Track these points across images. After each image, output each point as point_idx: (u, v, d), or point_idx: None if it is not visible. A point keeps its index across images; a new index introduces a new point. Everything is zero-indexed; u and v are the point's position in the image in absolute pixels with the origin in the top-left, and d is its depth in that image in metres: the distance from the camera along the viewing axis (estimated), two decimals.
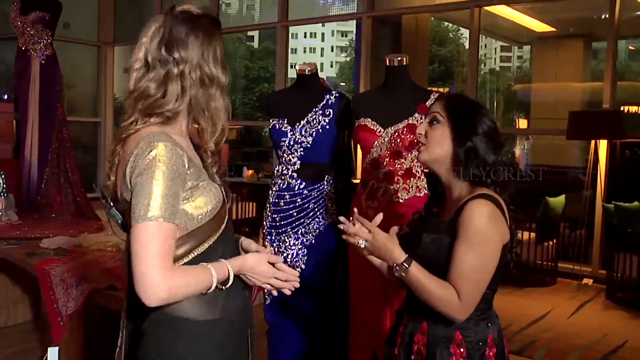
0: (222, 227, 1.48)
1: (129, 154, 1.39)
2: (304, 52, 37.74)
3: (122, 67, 9.41)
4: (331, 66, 36.39)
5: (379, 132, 2.60)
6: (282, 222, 2.75)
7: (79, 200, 4.60)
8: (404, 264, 1.60)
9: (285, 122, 2.77)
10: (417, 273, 1.59)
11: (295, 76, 2.87)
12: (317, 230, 2.73)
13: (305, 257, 2.72)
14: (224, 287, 1.43)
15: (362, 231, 1.69)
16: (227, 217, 1.51)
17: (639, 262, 5.06)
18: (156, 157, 1.34)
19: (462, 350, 1.61)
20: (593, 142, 5.61)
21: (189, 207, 1.41)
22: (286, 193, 2.75)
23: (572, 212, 6.19)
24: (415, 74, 9.60)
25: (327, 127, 2.71)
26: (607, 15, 8.31)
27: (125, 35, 9.25)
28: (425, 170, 1.77)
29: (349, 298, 2.75)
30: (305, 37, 37.53)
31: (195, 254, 1.42)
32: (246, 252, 1.60)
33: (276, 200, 2.77)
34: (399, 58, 2.65)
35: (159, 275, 1.29)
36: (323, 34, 39.07)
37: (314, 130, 2.70)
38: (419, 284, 1.58)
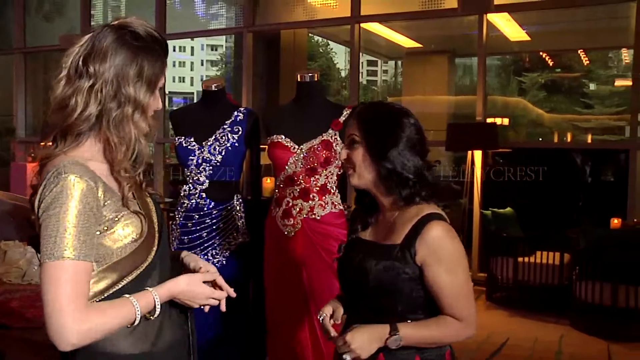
0: (151, 256, 1.38)
1: (40, 183, 1.28)
2: (174, 65, 36.96)
3: None
4: (201, 80, 35.95)
5: (294, 148, 2.57)
6: (191, 244, 2.63)
7: None
8: (393, 334, 1.49)
9: (193, 140, 2.66)
10: (411, 333, 1.50)
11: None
12: (229, 251, 2.64)
13: None
14: (152, 317, 1.34)
15: (341, 347, 1.52)
16: (156, 245, 1.41)
17: (514, 264, 5.42)
18: (64, 190, 1.23)
19: None
20: (470, 152, 5.95)
21: (107, 241, 1.31)
22: (194, 214, 2.64)
23: (449, 220, 6.48)
24: (295, 89, 9.74)
25: (237, 144, 2.64)
26: (468, 34, 8.94)
27: None
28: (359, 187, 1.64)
29: (264, 322, 2.69)
30: (174, 50, 36.73)
31: (120, 286, 1.33)
32: (187, 269, 1.51)
33: (184, 222, 2.66)
34: (310, 74, 2.64)
35: (67, 319, 1.20)
36: (192, 48, 38.50)
37: (223, 148, 2.62)
38: (421, 340, 1.52)
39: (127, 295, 1.30)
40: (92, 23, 8.65)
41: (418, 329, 1.52)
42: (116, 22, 1.37)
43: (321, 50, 25.35)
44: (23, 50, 8.95)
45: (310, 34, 12.09)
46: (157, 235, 1.42)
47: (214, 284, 1.46)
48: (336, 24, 7.51)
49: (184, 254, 1.56)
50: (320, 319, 1.68)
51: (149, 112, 1.39)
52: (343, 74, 25.14)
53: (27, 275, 3.15)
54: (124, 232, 1.33)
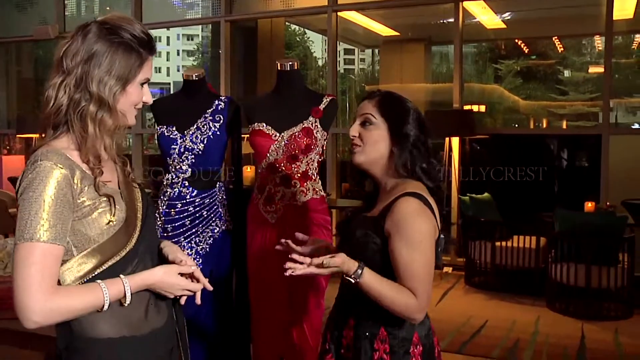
0: (132, 243, 1.43)
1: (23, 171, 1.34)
2: None
3: None
4: (178, 70, 35.64)
5: (275, 136, 2.61)
6: (175, 232, 2.66)
7: None
8: (358, 270, 1.56)
9: (175, 129, 2.69)
10: (371, 279, 1.56)
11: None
12: (212, 238, 2.68)
13: (201, 266, 2.65)
14: (125, 304, 1.38)
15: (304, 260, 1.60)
16: (138, 231, 1.45)
17: (492, 248, 5.52)
18: (38, 177, 1.29)
19: (385, 346, 1.63)
20: (447, 139, 6.03)
21: (85, 227, 1.36)
22: (177, 202, 2.67)
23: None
24: (273, 78, 9.74)
25: (218, 133, 2.67)
26: (444, 22, 9.00)
27: None
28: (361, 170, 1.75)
29: (248, 307, 2.73)
30: None
31: (101, 270, 1.38)
32: (166, 260, 1.55)
33: (167, 210, 2.68)
34: (290, 63, 2.67)
35: (32, 298, 1.25)
36: (168, 38, 38.05)
37: (204, 136, 2.65)
38: (375, 291, 1.56)
39: (99, 281, 1.35)
40: (67, 13, 8.55)
41: (379, 280, 1.57)
42: (100, 19, 1.42)
43: (298, 39, 25.23)
44: None
45: (287, 23, 12.08)
46: (139, 223, 1.46)
47: (191, 276, 1.50)
48: (313, 13, 7.53)
49: (164, 244, 1.60)
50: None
51: (129, 106, 1.44)
52: (320, 62, 25.06)
53: (8, 267, 3.15)
54: (102, 219, 1.38)
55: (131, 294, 1.37)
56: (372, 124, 1.69)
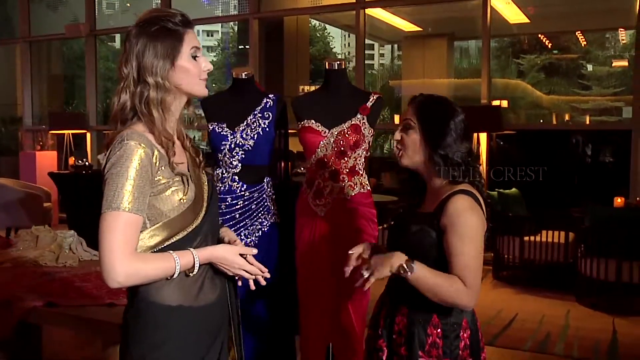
0: (198, 220, 1.58)
1: (108, 150, 1.51)
2: None
3: None
4: None
5: (324, 132, 2.70)
6: (225, 225, 2.76)
7: None
8: (410, 264, 1.66)
9: (225, 126, 2.79)
10: (423, 272, 1.67)
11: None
12: (261, 231, 2.79)
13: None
14: (191, 274, 1.53)
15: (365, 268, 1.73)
16: (204, 211, 1.60)
17: (520, 243, 5.57)
18: (124, 154, 1.45)
19: (438, 330, 1.76)
20: (475, 134, 6.07)
21: (159, 202, 1.52)
22: (228, 196, 2.77)
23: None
24: (298, 74, 9.84)
25: (267, 129, 2.77)
26: (467, 17, 9.02)
27: None
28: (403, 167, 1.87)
29: (295, 298, 2.83)
30: None
31: (169, 242, 1.53)
32: (221, 241, 1.71)
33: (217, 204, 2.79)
34: (337, 62, 2.77)
35: (115, 261, 1.40)
36: None
37: (254, 133, 2.76)
38: (427, 284, 1.67)
39: (171, 252, 1.50)
40: (97, 12, 8.71)
41: (429, 273, 1.68)
42: (136, 20, 1.57)
43: (318, 35, 25.29)
44: (28, 39, 9.01)
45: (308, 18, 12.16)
46: (205, 204, 1.61)
47: (248, 261, 1.64)
48: (341, 10, 7.61)
49: (223, 229, 1.77)
50: (350, 252, 1.88)
51: (190, 79, 1.56)
52: (340, 57, 25.11)
53: (60, 258, 3.27)
54: (174, 196, 1.53)
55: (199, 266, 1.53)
56: (411, 128, 1.81)
